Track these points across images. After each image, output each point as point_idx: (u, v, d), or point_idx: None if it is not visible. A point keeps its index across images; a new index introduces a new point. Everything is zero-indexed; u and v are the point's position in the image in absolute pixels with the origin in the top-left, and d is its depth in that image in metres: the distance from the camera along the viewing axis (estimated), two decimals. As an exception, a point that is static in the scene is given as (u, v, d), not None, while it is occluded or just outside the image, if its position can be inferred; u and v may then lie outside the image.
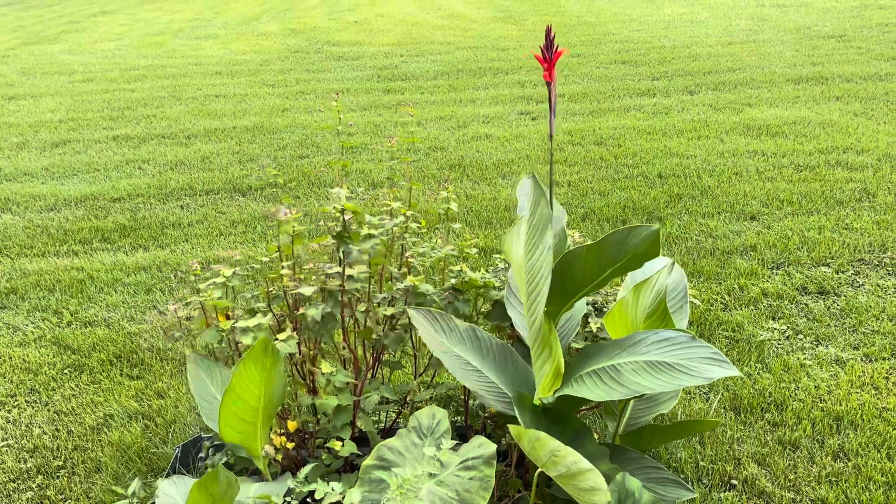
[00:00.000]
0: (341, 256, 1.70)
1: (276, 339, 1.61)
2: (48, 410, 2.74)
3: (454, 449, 1.51)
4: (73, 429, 2.62)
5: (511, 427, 1.36)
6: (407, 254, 2.02)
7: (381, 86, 7.59)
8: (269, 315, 1.68)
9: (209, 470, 1.54)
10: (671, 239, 3.84)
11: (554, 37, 1.61)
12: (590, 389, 1.42)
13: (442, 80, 7.73)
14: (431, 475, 1.35)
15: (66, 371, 2.98)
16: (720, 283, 3.40)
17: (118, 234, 4.26)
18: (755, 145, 5.17)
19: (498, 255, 2.30)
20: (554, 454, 1.29)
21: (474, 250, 2.05)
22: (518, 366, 1.61)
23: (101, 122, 6.67)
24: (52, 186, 5.11)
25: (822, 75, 6.99)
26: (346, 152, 5.50)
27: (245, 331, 1.59)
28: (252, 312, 1.85)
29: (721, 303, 3.25)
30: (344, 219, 1.74)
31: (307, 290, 1.64)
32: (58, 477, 2.41)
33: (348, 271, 1.67)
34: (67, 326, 3.31)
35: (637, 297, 1.59)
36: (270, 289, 1.85)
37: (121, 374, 2.92)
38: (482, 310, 1.96)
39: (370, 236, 1.72)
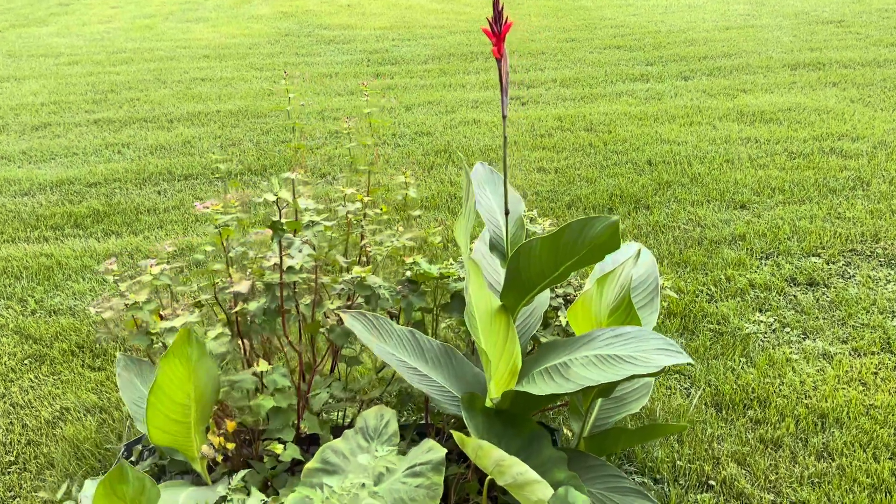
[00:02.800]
0: (277, 248, 1.59)
1: (208, 336, 1.51)
2: (4, 403, 2.64)
3: (403, 453, 1.41)
4: (27, 422, 2.52)
5: (455, 434, 1.25)
6: (364, 241, 1.91)
7: (370, 70, 7.44)
8: (197, 313, 1.58)
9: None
10: (658, 227, 3.73)
11: (502, 8, 1.49)
12: (538, 386, 1.32)
13: (432, 64, 7.58)
14: (368, 484, 1.25)
15: (25, 361, 2.87)
16: (707, 274, 3.29)
17: (91, 219, 4.14)
18: (748, 132, 5.05)
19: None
20: (499, 464, 1.19)
21: (438, 239, 1.94)
22: (465, 367, 1.50)
23: (83, 106, 6.54)
24: (29, 170, 4.99)
25: (820, 61, 6.85)
26: (329, 137, 5.37)
27: (171, 331, 1.49)
28: (199, 305, 1.74)
29: (707, 294, 3.14)
30: (279, 207, 1.63)
31: (242, 287, 1.54)
32: (8, 473, 2.31)
33: (288, 262, 1.56)
34: (31, 315, 3.20)
35: (601, 291, 1.48)
36: (217, 280, 1.74)
37: (82, 366, 2.82)
38: (443, 302, 1.85)
39: (313, 223, 1.61)
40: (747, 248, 3.48)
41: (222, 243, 1.68)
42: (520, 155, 4.83)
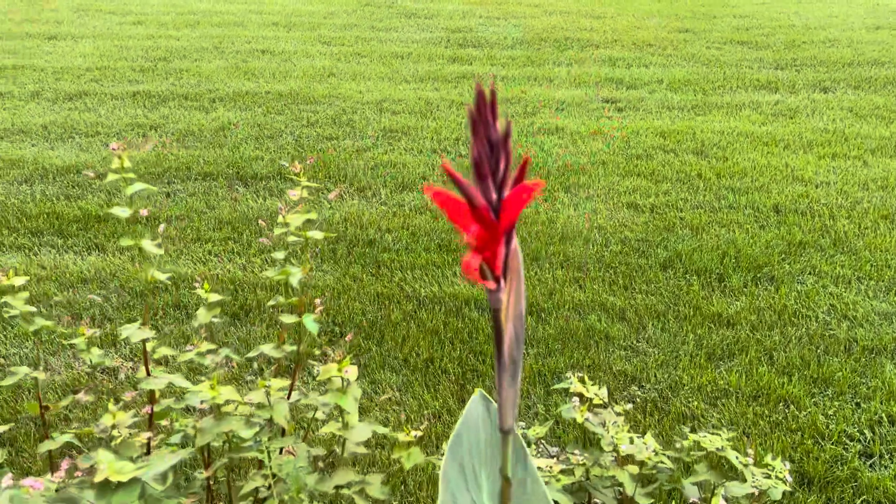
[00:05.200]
0: None
1: None
2: None
3: None
4: None
5: None
6: None
7: (448, 52, 6.54)
8: None
9: None
10: (786, 316, 2.72)
11: (508, 136, 0.60)
12: None
13: (520, 50, 6.61)
14: None
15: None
16: (858, 406, 2.29)
17: (79, 224, 3.47)
18: (912, 174, 3.89)
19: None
20: None
21: (416, 456, 1.08)
22: None
23: (128, 74, 5.94)
24: (41, 150, 4.39)
25: None
26: (382, 136, 4.53)
27: None
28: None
29: (860, 444, 2.15)
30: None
31: None
32: None
33: None
34: (-44, 362, 2.53)
35: None
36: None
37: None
38: None
39: None
40: (920, 368, 2.44)
41: None
42: (607, 182, 3.86)
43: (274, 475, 0.99)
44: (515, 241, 0.61)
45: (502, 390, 0.60)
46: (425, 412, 2.27)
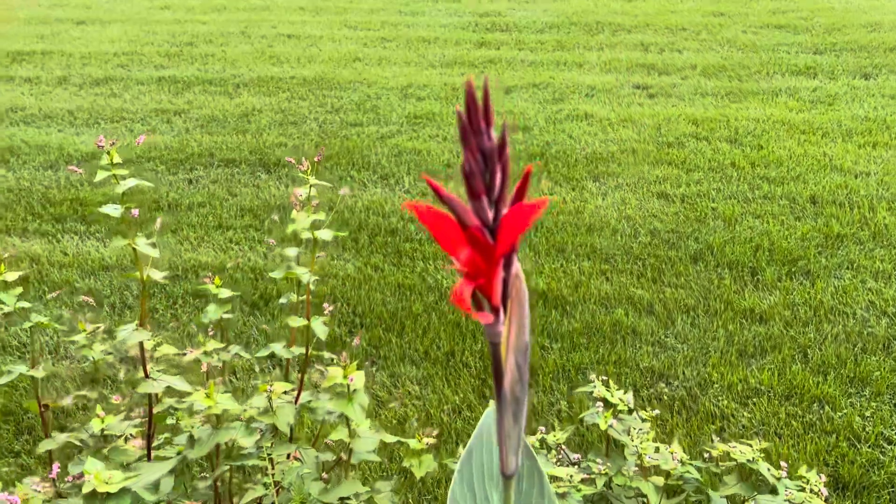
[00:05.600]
0: None
1: None
2: None
3: None
4: None
5: None
6: None
7: (475, 37, 6.44)
8: None
9: None
10: (822, 311, 2.61)
11: (502, 147, 0.52)
12: None
13: (549, 34, 6.48)
14: None
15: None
16: (898, 409, 2.18)
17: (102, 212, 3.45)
18: (958, 164, 3.73)
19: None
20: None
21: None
22: None
23: (154, 59, 5.94)
24: (67, 136, 4.40)
25: None
26: (406, 123, 4.46)
27: None
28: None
29: (898, 449, 2.05)
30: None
31: None
32: None
33: None
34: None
35: None
36: None
37: (-6, 449, 2.11)
38: None
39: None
40: (964, 369, 2.33)
41: None
42: (637, 170, 3.75)
43: (277, 483, 0.95)
44: (517, 265, 0.53)
45: (503, 431, 0.53)
46: (445, 407, 2.22)
